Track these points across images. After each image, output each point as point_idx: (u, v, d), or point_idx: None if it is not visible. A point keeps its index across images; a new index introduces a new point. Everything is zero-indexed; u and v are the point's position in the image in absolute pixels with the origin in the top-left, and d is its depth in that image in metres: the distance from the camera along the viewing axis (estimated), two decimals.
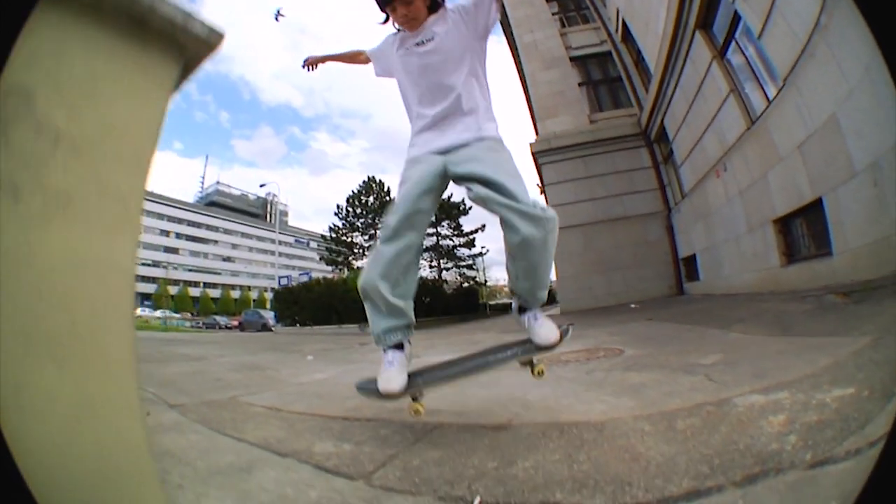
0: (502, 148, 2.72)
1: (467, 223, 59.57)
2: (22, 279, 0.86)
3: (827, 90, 6.64)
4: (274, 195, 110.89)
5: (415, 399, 2.78)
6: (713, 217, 12.75)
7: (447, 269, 54.74)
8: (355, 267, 47.29)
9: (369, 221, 53.75)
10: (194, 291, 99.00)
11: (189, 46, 1.22)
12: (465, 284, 51.59)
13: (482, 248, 56.73)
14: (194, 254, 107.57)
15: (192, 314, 77.59)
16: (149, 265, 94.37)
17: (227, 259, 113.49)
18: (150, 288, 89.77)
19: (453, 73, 2.66)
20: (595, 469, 2.16)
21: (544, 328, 2.67)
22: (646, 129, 17.71)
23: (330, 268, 53.30)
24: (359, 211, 54.03)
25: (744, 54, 9.75)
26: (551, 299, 14.58)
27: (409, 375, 2.77)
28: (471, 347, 7.41)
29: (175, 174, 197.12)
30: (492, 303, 60.19)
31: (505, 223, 2.45)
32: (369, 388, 2.76)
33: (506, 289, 76.62)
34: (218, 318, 54.61)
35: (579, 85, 20.08)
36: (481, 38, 2.76)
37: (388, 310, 2.70)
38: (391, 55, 2.87)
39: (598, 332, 7.39)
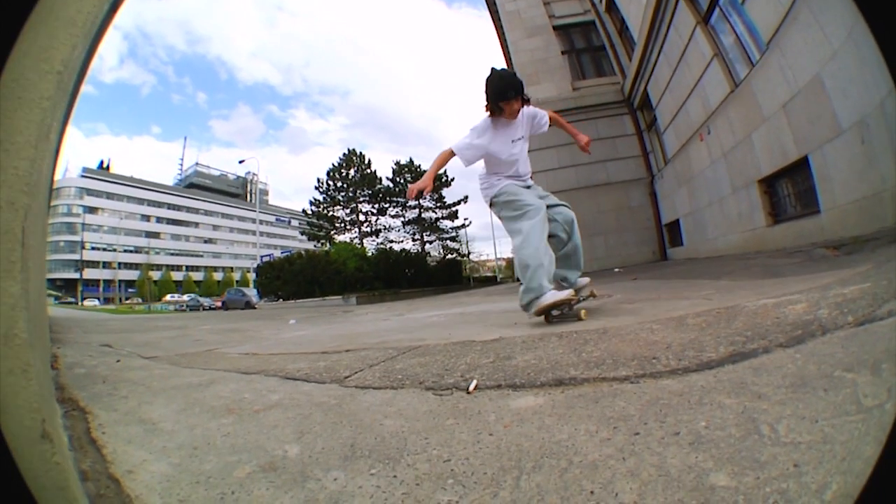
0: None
1: (450, 195, 59.39)
2: None
3: (810, 52, 6.68)
4: (254, 174, 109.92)
5: (578, 302, 3.72)
6: (697, 181, 12.80)
7: (430, 242, 54.65)
8: (337, 241, 46.87)
9: (350, 194, 53.20)
10: (177, 275, 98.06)
11: None
12: (449, 256, 51.41)
13: (465, 219, 56.59)
14: (175, 237, 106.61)
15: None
16: (131, 251, 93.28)
17: (209, 241, 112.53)
18: (132, 275, 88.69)
19: (527, 163, 4.28)
20: (608, 354, 2.17)
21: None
22: (629, 97, 17.68)
23: (312, 243, 52.79)
24: (339, 184, 53.34)
25: (727, 19, 9.71)
26: None
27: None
28: (457, 308, 7.50)
29: (154, 158, 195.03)
30: (475, 276, 60.30)
31: (567, 232, 4.22)
32: (546, 304, 3.53)
33: (490, 263, 77.27)
34: (201, 299, 54.16)
35: (562, 53, 19.92)
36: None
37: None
38: (483, 141, 3.96)
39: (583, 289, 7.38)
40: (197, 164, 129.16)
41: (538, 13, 20.65)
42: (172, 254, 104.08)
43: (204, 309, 44.87)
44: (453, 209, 54.93)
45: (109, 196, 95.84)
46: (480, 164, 4.23)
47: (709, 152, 11.51)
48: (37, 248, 1.37)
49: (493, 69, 3.88)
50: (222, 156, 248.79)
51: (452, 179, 54.14)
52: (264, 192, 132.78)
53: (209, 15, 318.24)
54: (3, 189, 0.93)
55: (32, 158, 0.99)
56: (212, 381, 2.71)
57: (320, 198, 53.33)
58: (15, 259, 0.94)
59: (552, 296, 3.48)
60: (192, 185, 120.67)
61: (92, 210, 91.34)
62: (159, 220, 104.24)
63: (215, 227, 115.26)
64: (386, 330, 5.05)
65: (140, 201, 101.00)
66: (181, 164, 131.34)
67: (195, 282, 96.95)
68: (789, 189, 8.47)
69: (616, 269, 14.44)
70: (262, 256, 42.55)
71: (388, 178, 53.84)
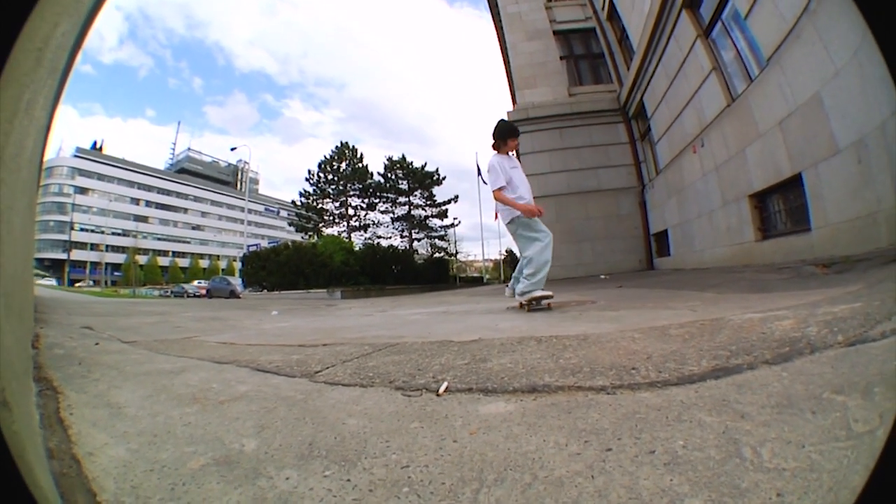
0: None
1: (440, 193, 59.29)
2: None
3: (811, 70, 6.65)
4: (245, 162, 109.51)
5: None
6: (687, 192, 12.81)
7: (419, 240, 54.54)
8: (325, 234, 46.64)
9: (340, 188, 52.92)
10: (163, 261, 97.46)
11: None
12: (436, 255, 51.31)
13: (454, 219, 56.48)
14: (164, 222, 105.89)
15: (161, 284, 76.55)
16: (119, 234, 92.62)
17: (197, 227, 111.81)
18: (119, 258, 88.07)
19: (526, 183, 5.74)
20: (586, 362, 2.12)
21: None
22: (625, 105, 17.70)
23: (300, 235, 52.51)
24: (330, 177, 53.01)
25: (729, 34, 9.71)
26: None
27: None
28: (441, 307, 7.46)
29: (147, 141, 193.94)
30: (462, 275, 60.30)
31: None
32: (538, 295, 5.20)
33: (477, 264, 77.54)
34: (186, 286, 53.87)
35: (561, 58, 19.92)
36: None
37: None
38: (506, 174, 5.58)
39: (568, 294, 7.40)
40: (189, 149, 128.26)
41: (539, 17, 20.66)
42: (160, 239, 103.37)
43: (188, 296, 44.68)
44: (443, 208, 54.81)
45: (101, 177, 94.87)
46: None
47: (701, 165, 11.51)
48: (20, 225, 1.29)
49: (501, 119, 6.02)
50: (215, 142, 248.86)
51: (444, 178, 54.11)
52: (255, 181, 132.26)
53: (210, 0, 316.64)
54: None
55: (7, 133, 0.97)
56: (183, 368, 2.69)
57: (310, 190, 52.96)
58: None
59: (541, 292, 5.20)
60: (183, 171, 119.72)
61: (83, 191, 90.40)
62: (148, 203, 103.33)
63: (204, 214, 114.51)
64: (366, 325, 5.01)
65: (130, 184, 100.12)
66: (173, 149, 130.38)
67: (181, 268, 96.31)
68: (780, 205, 8.46)
69: (602, 276, 14.45)
70: (248, 246, 42.29)
71: (379, 174, 53.58)
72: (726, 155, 10.03)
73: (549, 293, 5.21)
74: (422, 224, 54.66)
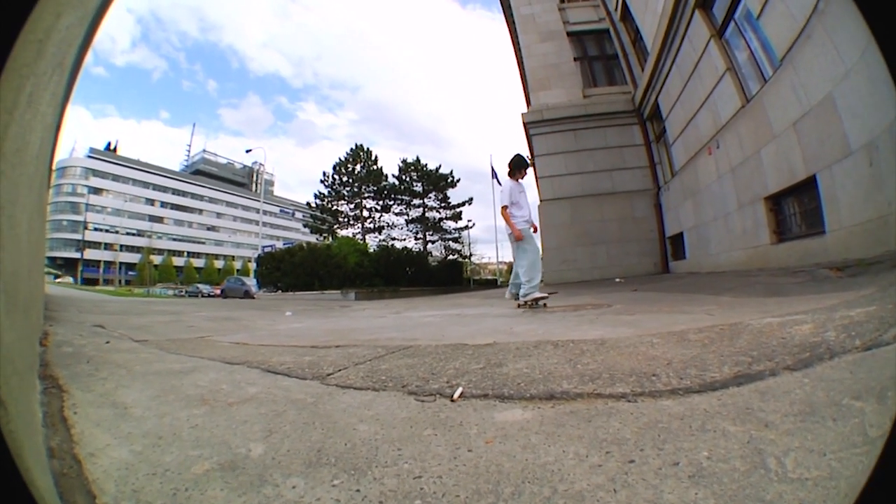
0: None
1: (455, 196, 59.18)
2: None
3: (823, 71, 6.57)
4: (260, 164, 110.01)
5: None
6: (703, 195, 12.67)
7: (433, 242, 54.50)
8: (339, 235, 46.74)
9: (355, 190, 53.04)
10: (178, 261, 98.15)
11: None
12: (450, 257, 51.26)
13: (469, 221, 56.37)
14: (179, 223, 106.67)
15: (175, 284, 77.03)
16: (133, 234, 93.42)
17: (212, 228, 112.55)
18: (134, 258, 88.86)
19: (528, 203, 7.44)
20: (604, 368, 2.07)
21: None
22: (639, 107, 17.52)
23: (315, 236, 52.66)
24: (345, 179, 53.12)
25: (742, 34, 9.62)
26: None
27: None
28: (454, 309, 7.42)
29: (162, 143, 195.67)
30: (476, 278, 60.19)
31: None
32: (538, 296, 6.61)
33: (491, 266, 77.64)
34: (201, 286, 54.20)
35: (575, 60, 19.78)
36: None
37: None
38: (516, 196, 7.25)
39: (582, 297, 7.35)
40: (204, 151, 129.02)
41: (553, 18, 20.56)
42: (175, 239, 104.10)
43: (202, 296, 44.96)
44: (458, 210, 54.75)
45: (115, 178, 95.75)
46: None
47: (716, 167, 11.38)
48: (26, 222, 1.27)
49: (518, 154, 7.60)
50: (230, 144, 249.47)
51: (458, 180, 54.10)
52: (270, 183, 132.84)
53: (222, 3, 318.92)
54: None
55: (7, 124, 0.95)
56: (194, 368, 2.67)
57: (325, 191, 53.13)
58: None
59: (539, 293, 6.70)
60: (198, 172, 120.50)
61: (97, 191, 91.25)
62: (164, 204, 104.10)
63: (219, 215, 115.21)
64: (380, 327, 4.99)
65: (145, 185, 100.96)
66: (188, 151, 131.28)
67: (196, 268, 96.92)
68: (795, 208, 8.34)
69: (617, 279, 14.34)
70: (263, 247, 42.46)
71: (393, 176, 53.66)
72: (741, 156, 9.91)
73: (546, 294, 6.87)
74: (436, 226, 54.64)
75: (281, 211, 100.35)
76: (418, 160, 53.87)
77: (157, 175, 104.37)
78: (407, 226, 54.27)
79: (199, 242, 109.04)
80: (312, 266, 26.62)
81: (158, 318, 7.14)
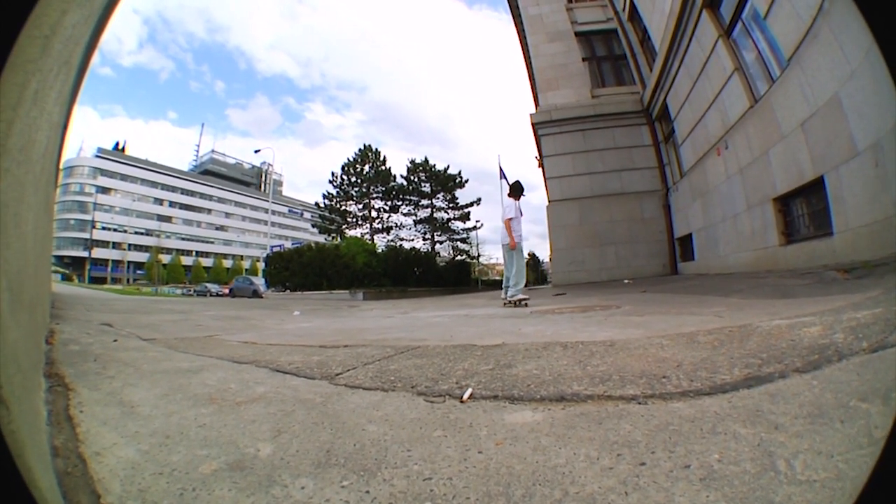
0: None
1: (463, 196, 59.11)
2: None
3: (830, 71, 6.56)
4: (269, 164, 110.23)
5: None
6: (712, 196, 12.62)
7: (441, 243, 54.47)
8: (348, 235, 46.77)
9: (363, 190, 53.03)
10: (187, 260, 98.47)
11: None
12: (458, 258, 51.21)
13: (477, 221, 56.25)
14: (187, 222, 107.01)
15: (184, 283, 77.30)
16: (142, 234, 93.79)
17: (221, 228, 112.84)
18: (142, 257, 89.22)
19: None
20: (614, 369, 2.06)
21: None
22: (648, 107, 17.49)
23: (323, 236, 52.73)
24: (353, 179, 53.12)
25: (749, 34, 9.59)
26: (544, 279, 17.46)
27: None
28: (463, 309, 7.42)
29: (170, 143, 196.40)
30: (484, 278, 60.13)
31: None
32: (521, 297, 8.16)
33: (499, 267, 77.81)
34: (209, 285, 54.39)
35: (583, 60, 19.76)
36: None
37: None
38: (518, 212, 8.65)
39: (591, 298, 7.32)
40: (213, 151, 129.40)
41: (560, 18, 20.54)
42: (183, 238, 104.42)
43: (211, 295, 45.12)
44: (466, 210, 54.68)
45: (123, 178, 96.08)
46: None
47: (725, 167, 11.34)
48: (32, 220, 1.27)
49: (517, 180, 8.97)
50: (238, 144, 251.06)
51: (467, 181, 54.04)
52: (278, 183, 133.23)
53: (229, 4, 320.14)
54: None
55: (11, 121, 0.93)
56: (202, 367, 2.68)
57: (333, 192, 53.16)
58: None
59: (522, 295, 8.12)
60: (206, 172, 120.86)
61: (105, 190, 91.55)
62: (172, 204, 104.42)
63: (228, 215, 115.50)
64: (388, 327, 4.99)
65: (154, 184, 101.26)
66: (197, 151, 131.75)
67: (205, 268, 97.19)
68: (803, 209, 8.31)
69: (626, 281, 14.31)
70: (272, 246, 42.54)
71: (402, 176, 53.65)
72: (750, 157, 9.88)
73: (528, 296, 8.38)
74: (444, 227, 54.58)
75: (290, 211, 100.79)
76: (426, 160, 53.84)
77: (166, 175, 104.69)
78: (415, 226, 54.27)
79: (207, 242, 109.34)
80: (321, 266, 26.64)
81: (167, 316, 7.16)
